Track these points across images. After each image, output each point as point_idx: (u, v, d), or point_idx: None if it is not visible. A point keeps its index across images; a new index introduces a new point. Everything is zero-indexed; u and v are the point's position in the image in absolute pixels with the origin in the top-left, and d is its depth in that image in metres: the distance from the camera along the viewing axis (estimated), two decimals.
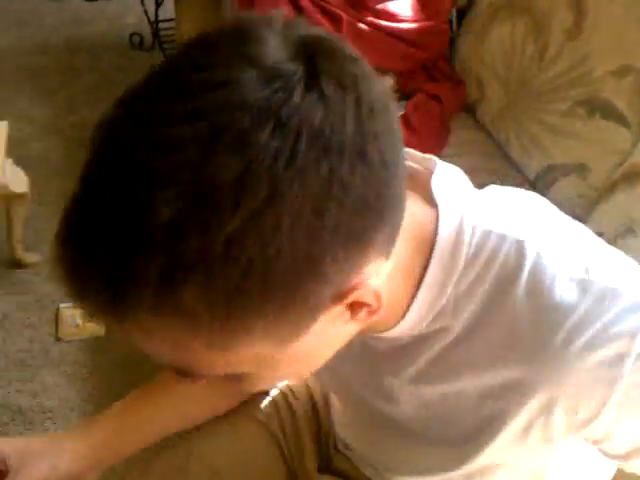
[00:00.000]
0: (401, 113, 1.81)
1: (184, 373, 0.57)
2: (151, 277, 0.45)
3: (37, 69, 2.92)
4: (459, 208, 0.63)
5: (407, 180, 0.56)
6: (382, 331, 0.66)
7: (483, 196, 0.68)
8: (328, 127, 0.46)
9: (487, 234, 0.62)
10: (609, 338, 0.58)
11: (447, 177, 0.65)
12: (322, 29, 0.53)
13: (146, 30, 2.92)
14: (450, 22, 1.99)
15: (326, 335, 0.56)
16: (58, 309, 1.98)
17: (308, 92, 0.46)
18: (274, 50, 0.48)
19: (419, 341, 0.67)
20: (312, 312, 0.51)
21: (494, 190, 0.70)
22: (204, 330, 0.49)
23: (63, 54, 3.01)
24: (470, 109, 1.92)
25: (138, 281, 0.45)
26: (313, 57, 0.48)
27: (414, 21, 1.92)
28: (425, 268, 0.61)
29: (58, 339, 1.92)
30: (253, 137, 0.45)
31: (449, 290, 0.62)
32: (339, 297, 0.52)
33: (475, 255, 0.62)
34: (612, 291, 0.59)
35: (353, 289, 0.52)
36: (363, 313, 0.56)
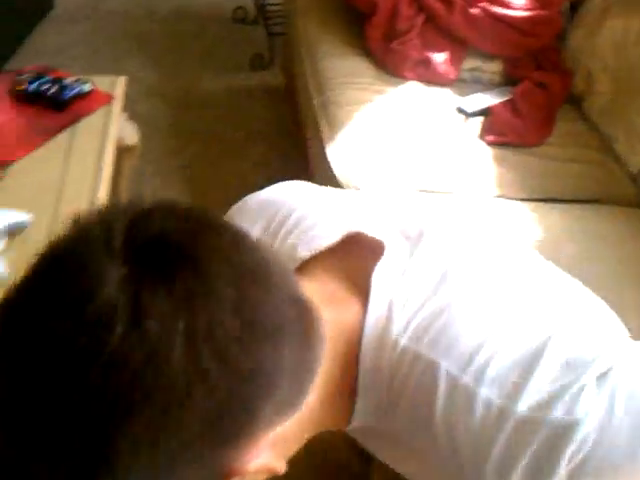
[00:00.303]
0: (508, 98, 1.83)
1: None
2: None
3: (145, 34, 3.02)
4: (386, 314, 0.62)
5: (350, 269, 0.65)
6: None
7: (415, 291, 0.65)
8: (151, 370, 0.42)
9: (405, 351, 0.61)
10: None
11: (386, 278, 0.64)
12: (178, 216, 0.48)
13: (251, 5, 2.98)
14: (563, 13, 1.99)
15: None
16: None
17: (130, 331, 0.42)
18: (102, 286, 0.43)
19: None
20: None
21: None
22: None
23: (170, 21, 3.11)
24: (575, 100, 1.93)
25: None
26: (141, 287, 0.43)
27: (527, 9, 1.93)
28: (356, 377, 0.62)
29: None
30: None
31: (383, 395, 0.62)
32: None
33: (393, 374, 0.61)
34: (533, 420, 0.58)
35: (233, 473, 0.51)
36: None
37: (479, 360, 0.60)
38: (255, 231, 0.72)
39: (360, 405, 0.63)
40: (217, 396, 0.45)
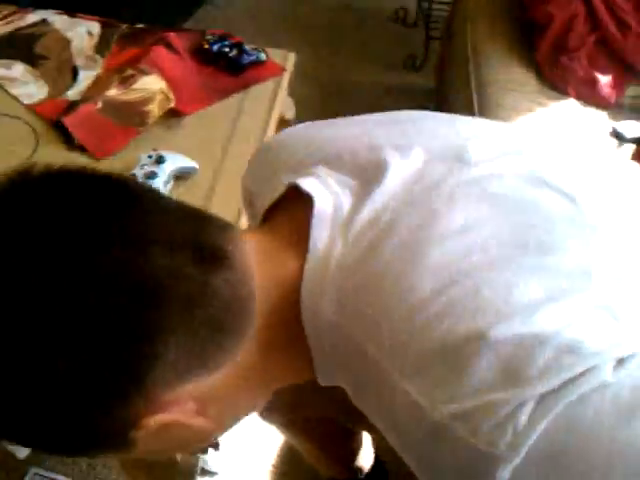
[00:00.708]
0: None
1: None
2: None
3: (307, 19, 3.12)
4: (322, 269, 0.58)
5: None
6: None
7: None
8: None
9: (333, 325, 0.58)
10: None
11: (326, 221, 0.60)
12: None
13: (413, 7, 3.04)
14: None
15: (166, 436, 0.56)
16: None
17: None
18: None
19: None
20: (109, 441, 0.55)
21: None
22: None
23: (333, 11, 3.20)
24: None
25: None
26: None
27: None
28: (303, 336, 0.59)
29: None
30: None
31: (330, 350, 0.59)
32: (126, 430, 0.54)
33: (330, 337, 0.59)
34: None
35: (136, 427, 0.53)
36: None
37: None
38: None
39: (317, 359, 0.61)
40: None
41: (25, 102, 1.53)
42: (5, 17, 1.70)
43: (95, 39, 1.67)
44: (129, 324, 0.49)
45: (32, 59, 1.62)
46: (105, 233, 0.50)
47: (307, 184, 0.62)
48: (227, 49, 1.66)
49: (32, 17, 1.70)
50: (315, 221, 0.59)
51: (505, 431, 0.49)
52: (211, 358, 0.54)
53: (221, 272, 0.54)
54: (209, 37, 1.68)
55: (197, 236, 0.55)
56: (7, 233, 0.49)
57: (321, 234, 0.59)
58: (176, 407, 0.54)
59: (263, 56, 1.71)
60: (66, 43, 1.65)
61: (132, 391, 0.51)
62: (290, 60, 1.87)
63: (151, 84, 1.51)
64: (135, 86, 1.50)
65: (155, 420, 0.53)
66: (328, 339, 0.58)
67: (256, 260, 0.58)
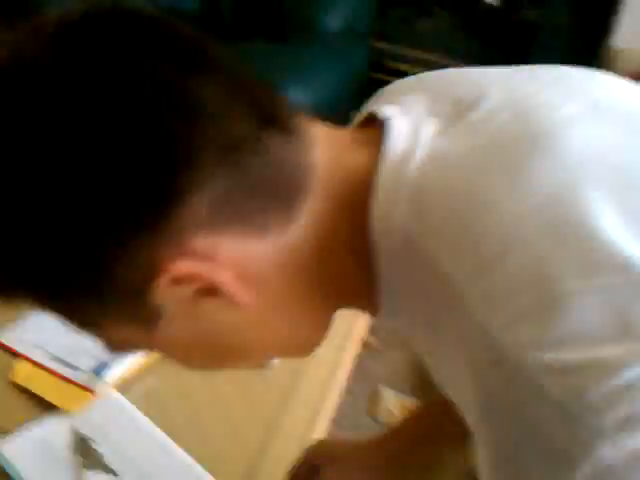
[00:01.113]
0: None
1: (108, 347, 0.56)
2: None
3: None
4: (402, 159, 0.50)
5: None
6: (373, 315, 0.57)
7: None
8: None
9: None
10: None
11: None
12: None
13: None
14: None
15: (197, 321, 0.51)
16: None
17: None
18: None
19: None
20: (127, 294, 0.48)
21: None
22: (53, 308, 0.50)
23: None
24: None
25: None
26: None
27: None
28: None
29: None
30: None
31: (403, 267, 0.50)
32: (147, 277, 0.46)
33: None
34: None
35: (159, 271, 0.46)
36: (227, 298, 0.49)
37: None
38: None
39: (382, 276, 0.51)
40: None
41: None
42: None
43: None
44: (172, 143, 0.44)
45: None
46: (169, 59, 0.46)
47: (386, 109, 0.54)
48: None
49: None
50: (393, 130, 0.51)
51: (619, 403, 0.38)
52: (251, 217, 0.48)
53: (277, 133, 0.49)
54: None
55: (261, 98, 0.50)
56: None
57: (399, 139, 0.50)
58: (209, 262, 0.47)
59: None
60: None
61: (157, 219, 0.45)
62: None
63: None
64: None
65: (179, 267, 0.46)
66: (398, 251, 0.49)
67: (322, 145, 0.52)
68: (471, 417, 0.46)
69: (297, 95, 2.33)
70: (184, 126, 0.45)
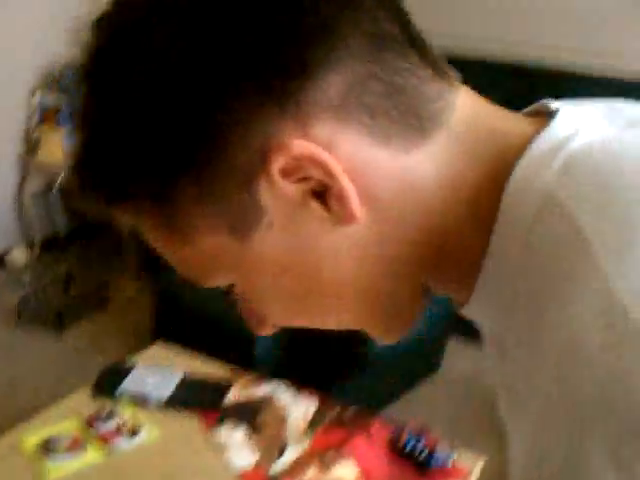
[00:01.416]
0: None
1: (187, 278, 0.53)
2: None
3: None
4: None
5: None
6: (461, 304, 0.51)
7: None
8: None
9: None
10: None
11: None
12: None
13: None
14: None
15: (295, 235, 0.47)
16: None
17: None
18: None
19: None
20: (236, 180, 0.45)
21: None
22: (152, 217, 0.49)
23: None
24: None
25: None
26: None
27: None
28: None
29: None
30: None
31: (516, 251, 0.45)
32: (259, 160, 0.44)
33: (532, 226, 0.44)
34: None
35: (274, 149, 0.44)
36: (335, 207, 0.46)
37: None
38: None
39: (498, 245, 0.46)
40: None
41: (234, 465, 1.75)
42: (245, 384, 1.98)
43: (310, 416, 1.87)
44: (318, 12, 0.44)
45: (253, 428, 1.82)
46: None
47: (556, 104, 0.50)
48: (418, 451, 1.76)
49: (264, 388, 1.94)
50: (563, 113, 0.48)
51: None
52: (381, 119, 0.45)
53: (424, 60, 0.47)
54: (406, 436, 1.78)
55: (415, 30, 0.48)
56: None
57: (567, 120, 0.47)
58: (326, 153, 0.44)
59: (451, 461, 1.78)
60: (283, 420, 1.85)
61: (285, 86, 0.43)
62: (477, 466, 1.85)
63: (346, 475, 1.72)
64: (332, 473, 1.72)
65: (296, 148, 0.44)
66: (530, 206, 0.44)
67: (465, 97, 0.50)
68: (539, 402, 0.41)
69: None
70: (337, 6, 0.44)
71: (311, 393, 1.95)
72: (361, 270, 0.49)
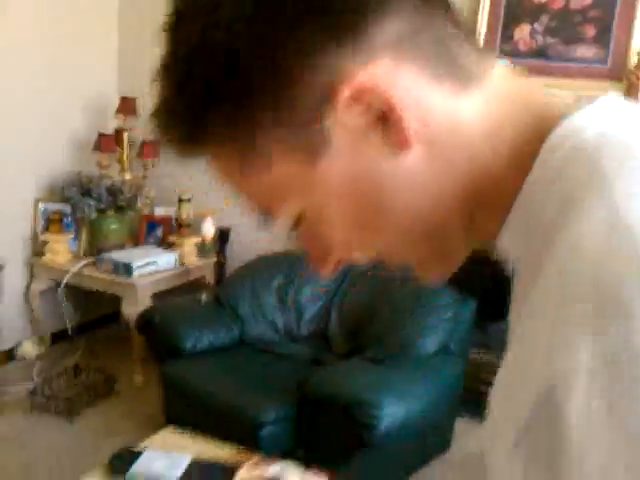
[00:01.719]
0: None
1: (262, 211, 0.57)
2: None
3: None
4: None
5: None
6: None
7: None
8: None
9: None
10: None
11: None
12: None
13: None
14: None
15: (358, 162, 0.52)
16: None
17: None
18: None
19: None
20: (307, 108, 0.50)
21: None
22: (233, 145, 0.53)
23: None
24: None
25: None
26: None
27: None
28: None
29: None
30: None
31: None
32: (327, 90, 0.50)
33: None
34: None
35: (340, 81, 0.49)
36: (393, 137, 0.51)
37: None
38: None
39: (524, 192, 0.51)
40: None
41: None
42: (253, 465, 2.01)
43: None
44: None
45: None
46: None
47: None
48: None
49: (273, 469, 1.96)
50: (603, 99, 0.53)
51: None
52: (433, 62, 0.51)
53: (462, 34, 0.54)
54: None
55: (456, 14, 0.54)
56: None
57: (603, 105, 0.53)
58: (389, 84, 0.50)
59: None
60: None
61: (350, 24, 0.49)
62: None
63: None
64: None
65: (363, 78, 0.49)
66: (562, 160, 0.50)
67: (502, 75, 0.56)
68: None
69: (391, 408, 2.50)
70: None
71: (319, 472, 1.98)
72: (415, 200, 0.53)
